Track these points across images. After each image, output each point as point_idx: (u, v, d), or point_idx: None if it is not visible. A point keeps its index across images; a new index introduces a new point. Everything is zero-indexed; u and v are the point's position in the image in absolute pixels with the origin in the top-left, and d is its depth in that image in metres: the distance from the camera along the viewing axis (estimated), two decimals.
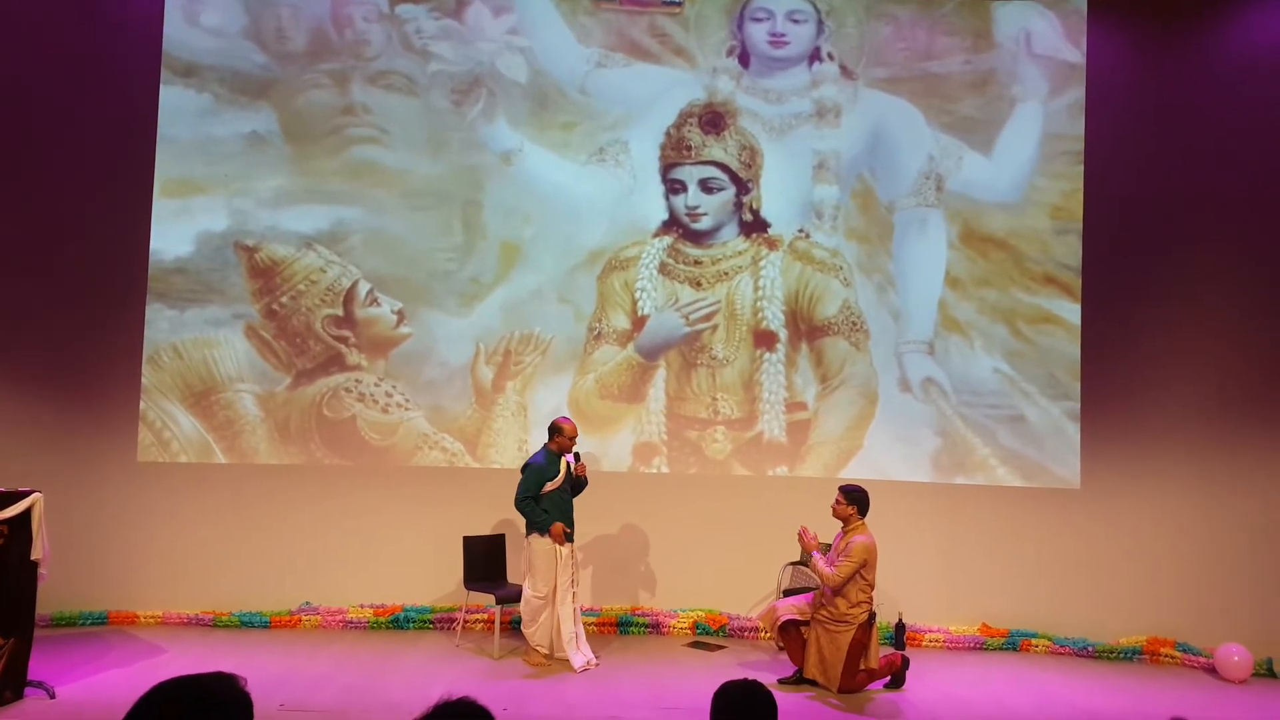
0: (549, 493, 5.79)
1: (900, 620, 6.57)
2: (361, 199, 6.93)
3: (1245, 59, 6.95)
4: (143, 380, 6.71)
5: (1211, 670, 6.33)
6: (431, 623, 6.63)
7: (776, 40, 7.17)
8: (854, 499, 5.60)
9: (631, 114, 7.08)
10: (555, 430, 5.90)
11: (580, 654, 5.76)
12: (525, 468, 5.85)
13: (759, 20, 7.17)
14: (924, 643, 6.67)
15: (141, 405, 6.70)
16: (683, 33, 7.14)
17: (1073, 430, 6.98)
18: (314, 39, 6.94)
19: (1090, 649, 6.65)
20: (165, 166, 6.78)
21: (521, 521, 6.15)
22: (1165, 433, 6.86)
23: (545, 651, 5.77)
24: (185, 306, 6.79)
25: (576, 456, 5.97)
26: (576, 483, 5.98)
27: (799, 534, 5.67)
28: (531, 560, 5.78)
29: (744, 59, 7.17)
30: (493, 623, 6.19)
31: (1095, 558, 6.85)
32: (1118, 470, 6.91)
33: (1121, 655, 6.61)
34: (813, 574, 5.66)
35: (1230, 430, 6.76)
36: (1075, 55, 7.14)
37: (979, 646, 6.70)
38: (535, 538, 5.78)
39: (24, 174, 6.59)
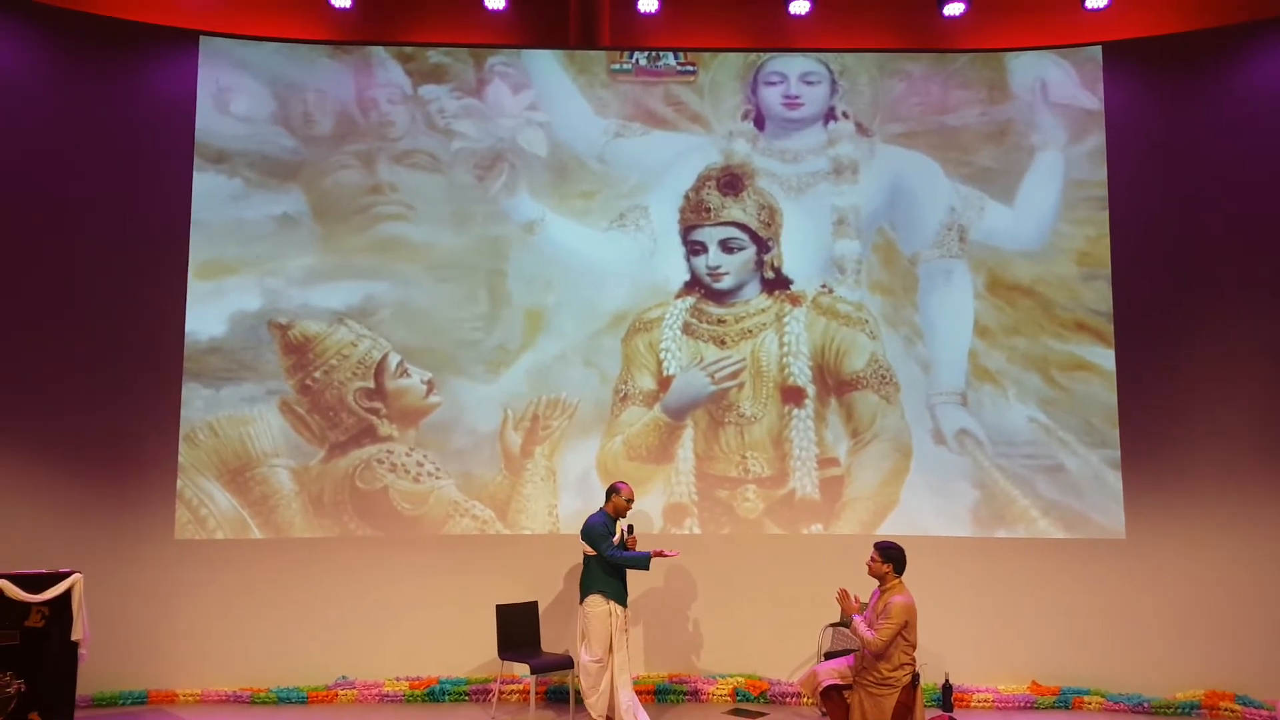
0: (599, 557, 5.70)
1: (947, 681, 6.39)
2: (390, 273, 7.07)
3: (1261, 97, 6.90)
4: (179, 459, 6.83)
5: None
6: (467, 694, 6.57)
7: (791, 102, 7.27)
8: (889, 556, 5.47)
9: (650, 180, 7.19)
10: (613, 491, 5.89)
11: None
12: (589, 530, 5.77)
13: (772, 84, 7.28)
14: (972, 703, 6.46)
15: (178, 483, 6.81)
16: (698, 100, 7.27)
17: (1114, 479, 6.81)
18: (340, 122, 7.17)
19: (1146, 705, 6.39)
20: (199, 250, 6.98)
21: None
22: (1211, 477, 6.67)
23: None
24: (220, 385, 6.93)
25: (630, 529, 5.93)
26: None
27: (838, 596, 5.53)
28: (587, 625, 5.70)
29: (759, 121, 7.27)
30: (528, 693, 6.11)
31: (1146, 609, 6.63)
32: (1163, 518, 6.71)
33: (1179, 711, 6.34)
34: (853, 636, 5.52)
35: (1277, 470, 6.56)
36: (1093, 102, 7.15)
37: (1030, 706, 6.47)
38: (591, 600, 5.70)
39: (64, 260, 6.81)
